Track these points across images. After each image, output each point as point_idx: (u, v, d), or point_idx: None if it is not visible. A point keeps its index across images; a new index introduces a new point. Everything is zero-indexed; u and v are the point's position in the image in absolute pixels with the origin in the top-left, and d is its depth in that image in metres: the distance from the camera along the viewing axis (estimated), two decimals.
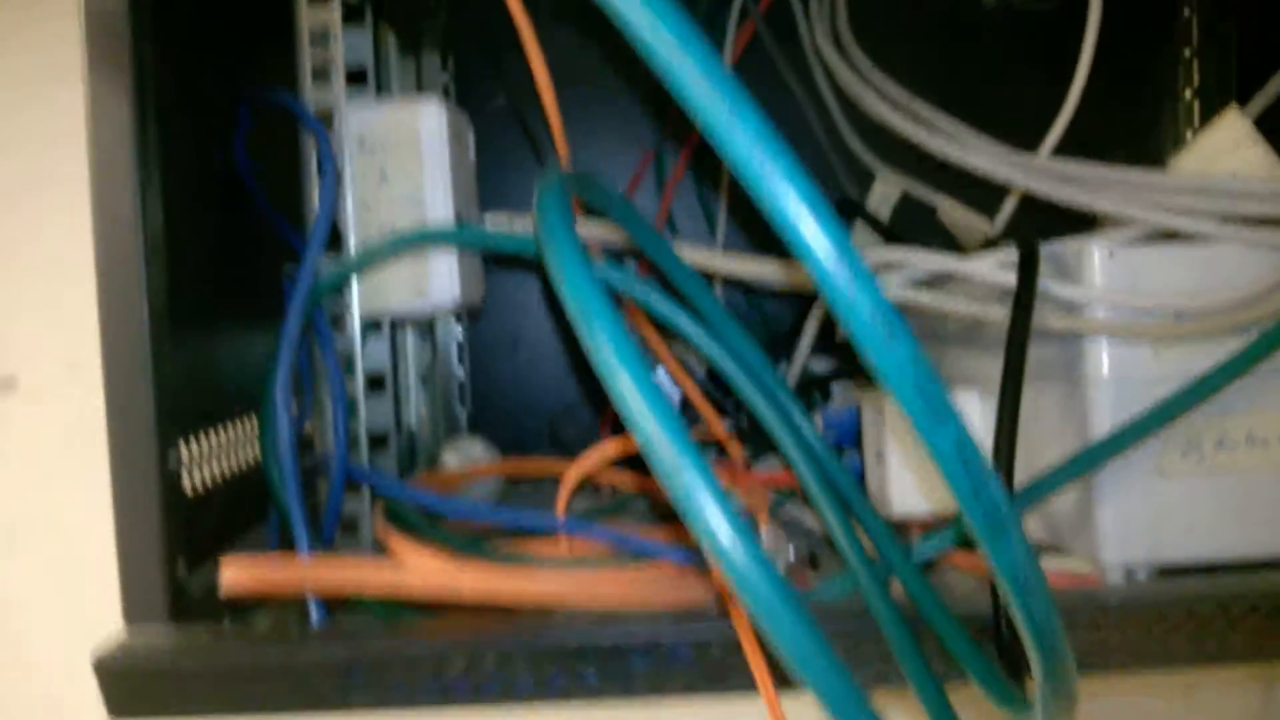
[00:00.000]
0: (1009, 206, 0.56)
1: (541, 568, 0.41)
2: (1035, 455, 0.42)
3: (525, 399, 0.68)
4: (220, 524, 0.43)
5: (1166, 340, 0.38)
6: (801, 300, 0.60)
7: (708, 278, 0.62)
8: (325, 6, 0.48)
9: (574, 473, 0.43)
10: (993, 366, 0.38)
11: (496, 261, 0.64)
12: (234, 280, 0.47)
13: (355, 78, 0.50)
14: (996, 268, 0.40)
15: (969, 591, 0.40)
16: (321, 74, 0.48)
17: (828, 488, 0.39)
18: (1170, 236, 0.39)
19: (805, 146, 0.66)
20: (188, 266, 0.40)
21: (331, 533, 0.46)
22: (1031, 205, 0.49)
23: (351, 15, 0.50)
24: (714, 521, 0.19)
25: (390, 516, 0.47)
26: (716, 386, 0.59)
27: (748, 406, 0.43)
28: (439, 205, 0.48)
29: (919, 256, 0.42)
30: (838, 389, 0.59)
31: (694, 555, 0.41)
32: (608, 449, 0.44)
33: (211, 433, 0.43)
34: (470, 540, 0.47)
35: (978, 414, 0.44)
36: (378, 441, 0.54)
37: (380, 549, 0.43)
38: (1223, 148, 0.41)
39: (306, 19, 0.48)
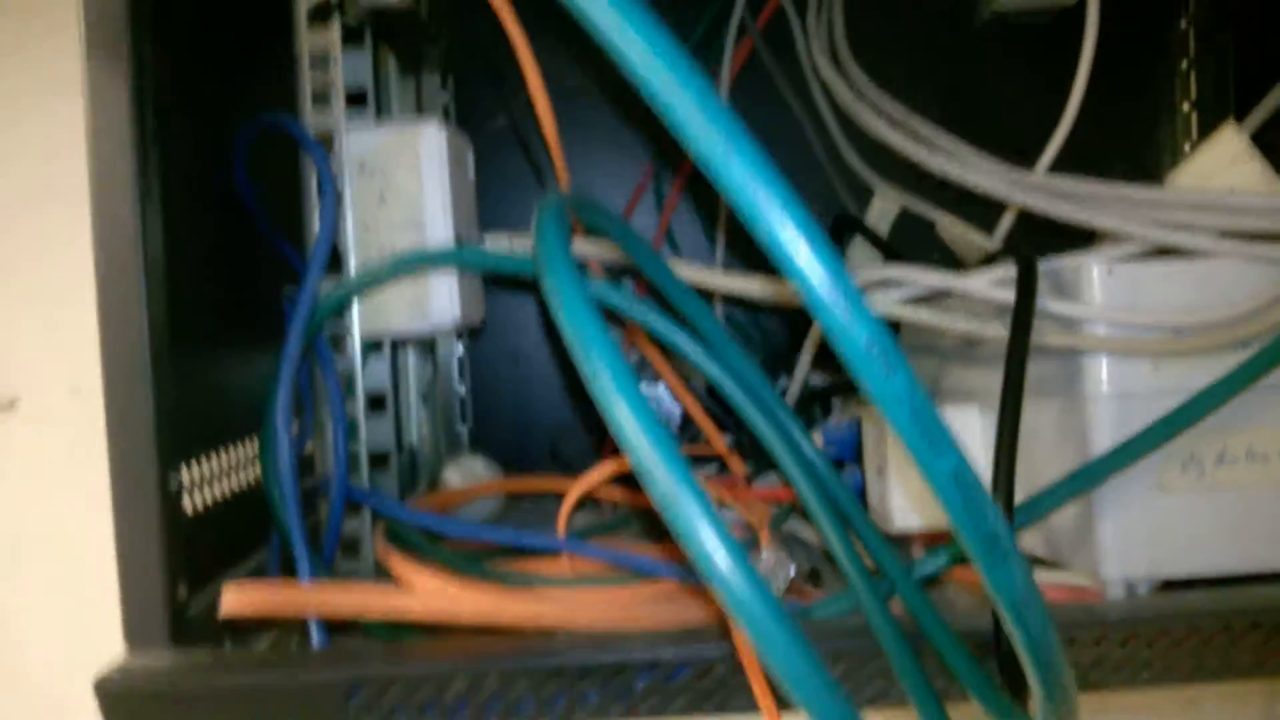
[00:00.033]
0: (1007, 221, 0.56)
1: (542, 591, 0.41)
2: (1035, 471, 0.42)
3: (526, 415, 0.68)
4: (222, 545, 0.43)
5: (1166, 356, 0.38)
6: (802, 315, 0.60)
7: (707, 295, 0.62)
8: (325, 30, 0.48)
9: (575, 492, 0.43)
10: (992, 382, 0.38)
11: (497, 278, 0.64)
12: (235, 302, 0.47)
13: (355, 98, 0.50)
14: (994, 284, 0.40)
15: (970, 607, 0.40)
16: (321, 96, 0.48)
17: (827, 504, 0.39)
18: (1168, 252, 0.40)
19: (803, 162, 0.66)
20: (188, 289, 0.40)
21: (332, 553, 0.46)
22: (1030, 219, 0.50)
23: (351, 37, 0.50)
24: (710, 549, 0.19)
25: (391, 537, 0.47)
26: (717, 402, 0.59)
27: (746, 424, 0.43)
28: (439, 226, 0.48)
29: (917, 273, 0.42)
30: (838, 403, 0.59)
31: (695, 573, 0.41)
32: (608, 468, 0.44)
33: (213, 455, 0.43)
34: (471, 559, 0.47)
35: (978, 430, 0.44)
36: (379, 460, 0.54)
37: (381, 569, 0.43)
38: (1219, 163, 0.41)
39: (306, 42, 0.48)
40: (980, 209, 0.55)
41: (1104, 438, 0.38)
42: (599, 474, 0.43)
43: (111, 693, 0.35)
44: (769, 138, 0.66)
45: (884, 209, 0.63)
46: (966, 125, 0.57)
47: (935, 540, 0.45)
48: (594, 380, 0.21)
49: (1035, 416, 0.41)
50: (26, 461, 0.67)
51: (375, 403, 0.53)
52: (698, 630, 0.36)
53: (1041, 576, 0.41)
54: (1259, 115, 0.51)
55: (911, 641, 0.34)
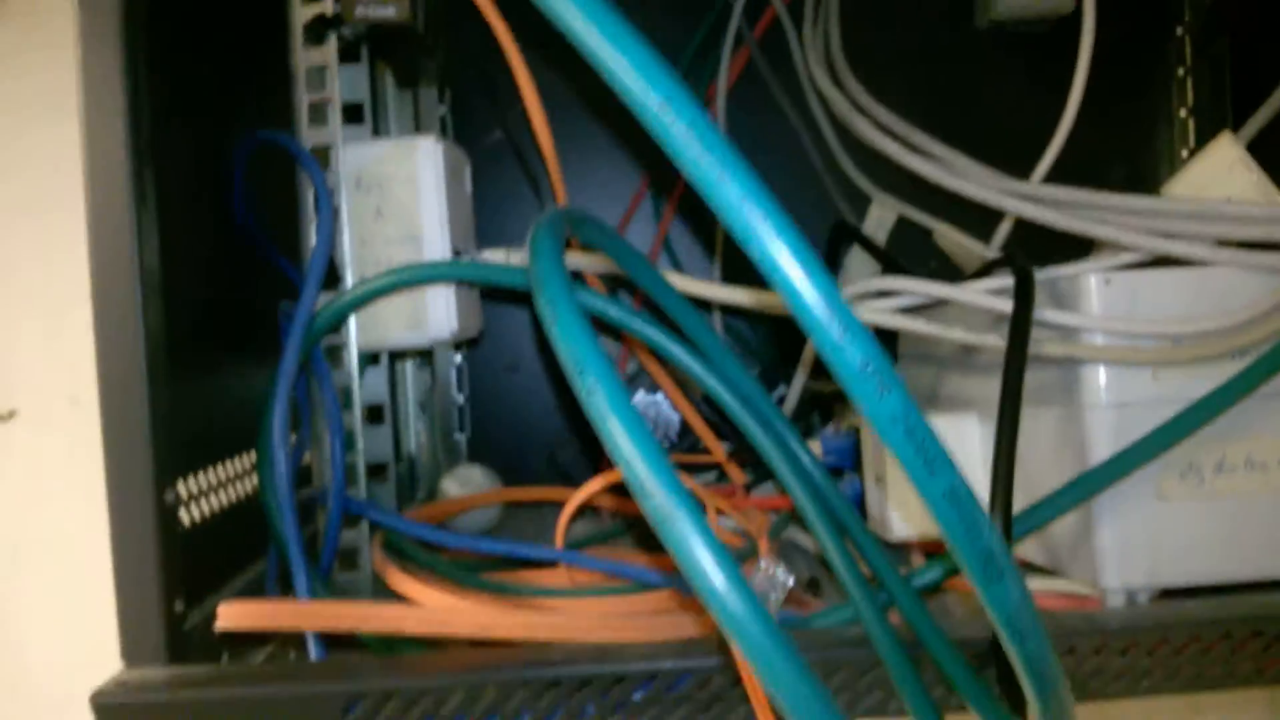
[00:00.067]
0: (1004, 229, 0.56)
1: (539, 603, 0.41)
2: (1034, 479, 0.41)
3: (524, 423, 0.68)
4: (219, 558, 0.43)
5: (1164, 365, 0.38)
6: None
7: (706, 305, 0.62)
8: (321, 48, 0.48)
9: (572, 504, 0.43)
10: (990, 390, 0.38)
11: (496, 288, 0.64)
12: (231, 316, 0.47)
13: (353, 112, 0.50)
14: (992, 294, 0.40)
15: (969, 616, 0.40)
16: (318, 111, 0.48)
17: (825, 514, 0.39)
18: (1165, 261, 0.39)
19: (800, 170, 0.66)
20: (185, 304, 0.40)
21: (329, 564, 0.46)
22: (1027, 226, 0.50)
23: (348, 52, 0.50)
24: (705, 567, 0.19)
25: (388, 547, 0.47)
26: (715, 411, 0.59)
27: (743, 433, 0.43)
28: (435, 240, 0.48)
29: (913, 283, 0.42)
30: (839, 410, 0.59)
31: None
32: (606, 478, 0.44)
33: (210, 468, 0.43)
34: (469, 569, 0.47)
35: (977, 438, 0.44)
36: (377, 471, 0.54)
37: (379, 580, 0.43)
38: (1216, 172, 0.41)
39: (302, 57, 0.48)
40: (978, 216, 0.55)
41: (1103, 447, 0.38)
42: (596, 484, 0.43)
43: (108, 706, 0.34)
44: (765, 147, 0.67)
45: (881, 217, 0.63)
46: (964, 133, 0.57)
47: (934, 549, 0.45)
48: (588, 398, 0.21)
49: (1034, 425, 0.41)
50: (26, 470, 0.67)
51: (373, 413, 0.53)
52: (696, 641, 0.36)
53: (1041, 584, 0.41)
54: (1255, 124, 0.51)
55: (910, 652, 0.34)
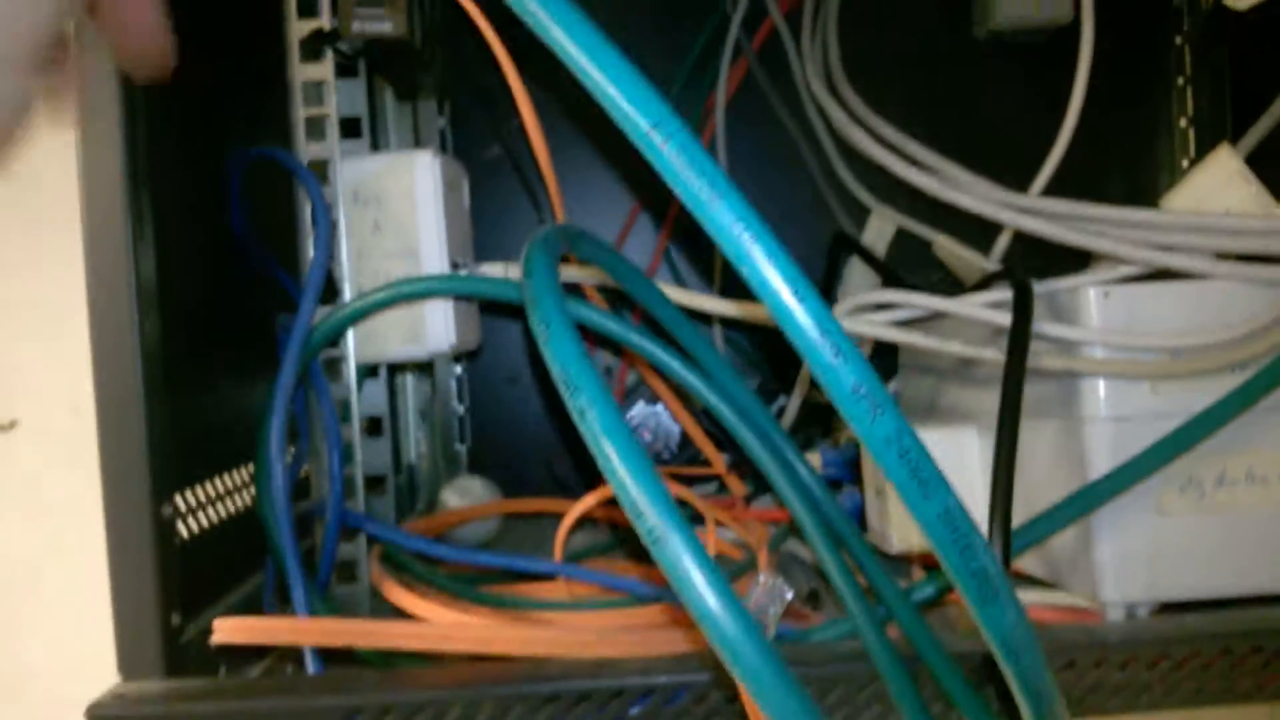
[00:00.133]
0: (1003, 241, 0.56)
1: (536, 617, 0.41)
2: (1034, 491, 0.41)
3: (524, 434, 0.68)
4: (217, 570, 0.43)
5: (1164, 378, 0.38)
6: None
7: (706, 317, 0.62)
8: (318, 63, 0.48)
9: (570, 517, 0.42)
10: (990, 402, 0.38)
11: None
12: (229, 330, 0.47)
13: (350, 125, 0.50)
14: (990, 307, 0.40)
15: (971, 629, 0.40)
16: (315, 127, 0.49)
17: (823, 528, 0.39)
18: (1164, 274, 0.39)
19: (800, 182, 0.66)
20: (182, 318, 0.40)
21: (327, 577, 0.46)
22: (1026, 238, 0.49)
23: (345, 68, 0.50)
24: (699, 589, 0.19)
25: (387, 560, 0.47)
26: (715, 422, 0.59)
27: (741, 447, 0.42)
28: (433, 254, 0.48)
29: (912, 297, 0.42)
30: (839, 422, 0.59)
31: None
32: (604, 491, 0.44)
33: (208, 481, 0.43)
34: (467, 581, 0.47)
35: (976, 451, 0.44)
36: (376, 483, 0.54)
37: (377, 593, 0.43)
38: (1215, 185, 0.41)
39: (299, 74, 0.48)
40: (977, 227, 0.55)
41: (1102, 460, 0.38)
42: (594, 498, 0.43)
43: (105, 719, 0.34)
44: (765, 157, 0.67)
45: (880, 228, 0.63)
46: (963, 143, 0.57)
47: (934, 562, 0.45)
48: (580, 417, 0.21)
49: (1033, 438, 0.41)
50: (27, 479, 0.67)
51: (372, 425, 0.53)
52: (693, 656, 0.36)
53: (1040, 597, 0.41)
54: (1254, 135, 0.51)
55: (908, 666, 0.34)
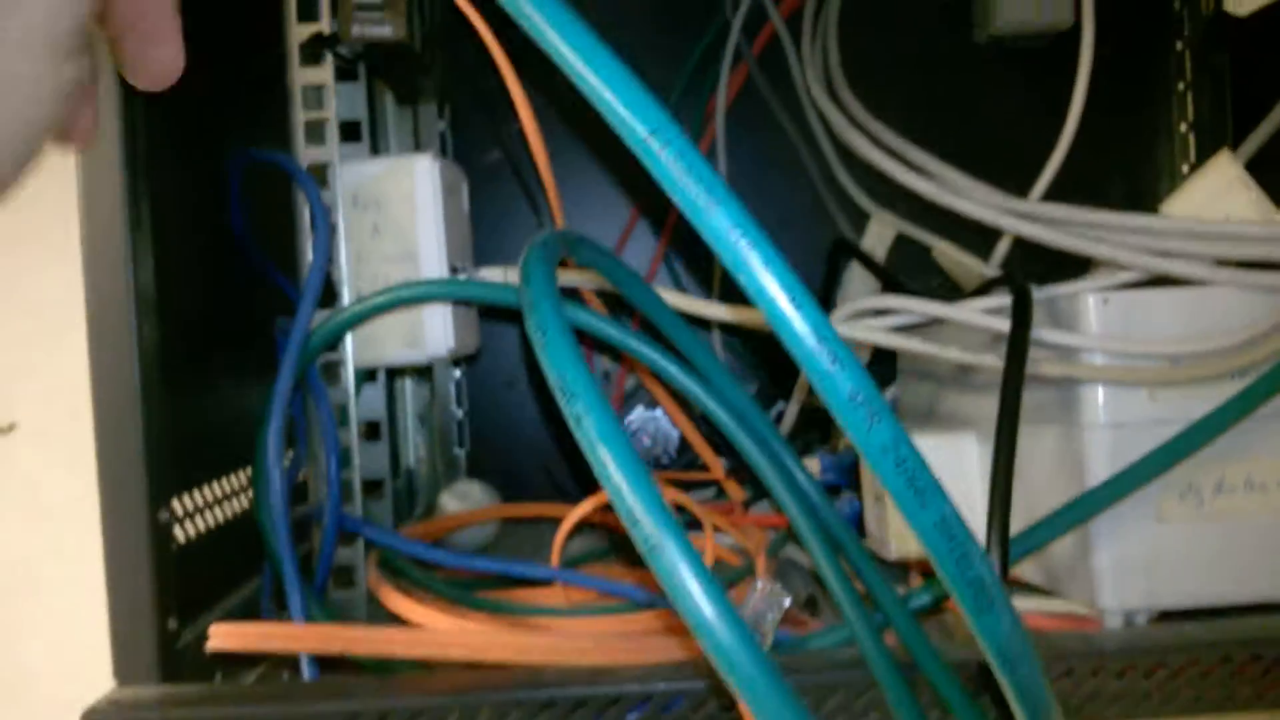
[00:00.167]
0: (1003, 247, 0.56)
1: (533, 623, 0.41)
2: (1033, 497, 0.41)
3: (523, 438, 0.68)
4: (214, 575, 0.43)
5: (1163, 385, 0.38)
6: None
7: (705, 323, 0.62)
8: (318, 66, 0.48)
9: (568, 523, 0.42)
10: (989, 408, 0.37)
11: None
12: (228, 334, 0.47)
13: (350, 129, 0.50)
14: (989, 313, 0.40)
15: (968, 636, 0.40)
16: (315, 130, 0.48)
17: (821, 533, 0.39)
18: (1164, 281, 0.39)
19: (800, 186, 0.66)
20: (180, 321, 0.40)
21: (324, 582, 0.46)
22: (1026, 243, 0.49)
23: (345, 72, 0.50)
24: (695, 598, 0.19)
25: (384, 565, 0.47)
26: (713, 427, 0.58)
27: (739, 452, 0.42)
28: (432, 258, 0.48)
29: (910, 302, 0.42)
30: (838, 428, 0.59)
31: None
32: (602, 496, 0.44)
33: (205, 486, 0.43)
34: (464, 586, 0.47)
35: (975, 456, 0.44)
36: (374, 487, 0.53)
37: (374, 598, 0.43)
38: (1214, 191, 0.41)
39: (299, 78, 0.48)
40: (978, 233, 0.55)
41: (1101, 467, 0.37)
42: (592, 503, 0.43)
43: None
44: (765, 162, 0.67)
45: (880, 233, 0.63)
46: (963, 148, 0.56)
47: (933, 569, 0.45)
48: (577, 424, 0.21)
49: (1032, 443, 0.41)
50: (26, 482, 0.67)
51: (370, 430, 0.52)
52: (690, 663, 0.35)
53: (1038, 605, 0.41)
54: (1254, 141, 0.50)
55: (906, 673, 0.34)
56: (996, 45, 0.64)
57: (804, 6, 0.65)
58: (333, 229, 0.48)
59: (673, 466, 0.66)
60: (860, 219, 0.65)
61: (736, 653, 0.19)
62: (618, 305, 0.60)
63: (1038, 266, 0.47)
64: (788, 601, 0.40)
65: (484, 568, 0.47)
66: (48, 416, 0.67)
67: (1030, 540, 0.37)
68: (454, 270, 0.49)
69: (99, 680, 0.36)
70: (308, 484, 0.51)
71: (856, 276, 0.62)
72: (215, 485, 0.44)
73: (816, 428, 0.60)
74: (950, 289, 0.60)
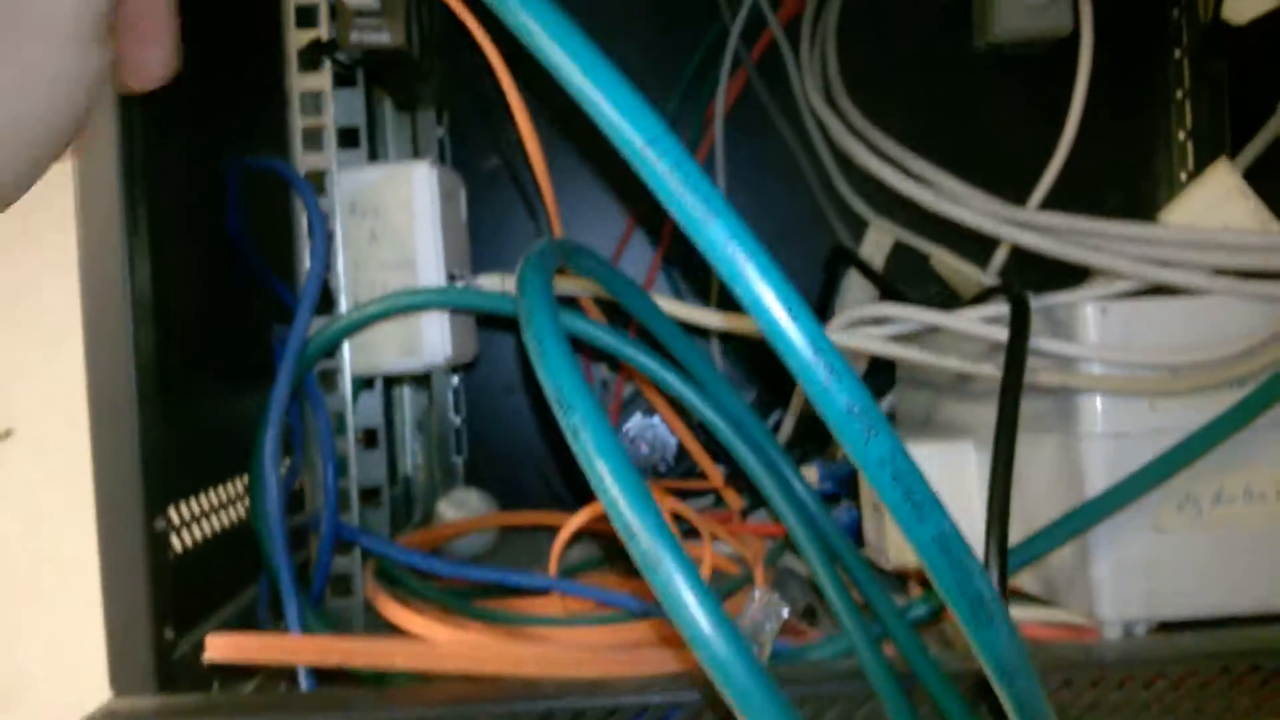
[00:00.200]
0: (1001, 255, 0.56)
1: (529, 633, 0.41)
2: (1031, 506, 0.41)
3: (521, 445, 0.68)
4: (210, 583, 0.43)
5: (1161, 395, 0.37)
6: None
7: (705, 332, 0.62)
8: (316, 73, 0.48)
9: (565, 533, 0.42)
10: (987, 417, 0.37)
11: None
12: (225, 341, 0.47)
13: (348, 135, 0.50)
14: (987, 322, 0.40)
15: (966, 647, 0.40)
16: (313, 137, 0.48)
17: (818, 542, 0.39)
18: (1162, 290, 0.39)
19: (798, 193, 0.66)
20: (177, 328, 0.40)
21: (321, 591, 0.46)
22: (1024, 252, 0.49)
23: (343, 78, 0.50)
24: (692, 613, 0.19)
25: (381, 573, 0.47)
26: (711, 436, 0.58)
27: (737, 461, 0.42)
28: (430, 265, 0.48)
29: (908, 310, 0.42)
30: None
31: None
32: (599, 505, 0.44)
33: (202, 494, 0.43)
34: (461, 595, 0.47)
35: (973, 465, 0.44)
36: (371, 495, 0.53)
37: (371, 608, 0.43)
38: (1212, 200, 0.41)
39: (297, 84, 0.48)
40: (976, 240, 0.55)
41: (1099, 477, 0.37)
42: (588, 514, 0.43)
43: None
44: (763, 168, 0.67)
45: (879, 241, 0.63)
46: (962, 155, 0.56)
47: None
48: (574, 437, 0.21)
49: (1031, 452, 0.41)
50: (23, 489, 0.67)
51: (368, 437, 0.52)
52: (687, 675, 0.35)
53: (1037, 614, 0.41)
54: (1252, 151, 0.50)
55: (904, 685, 0.33)
56: (995, 52, 0.64)
57: (803, 13, 0.65)
58: (330, 236, 0.48)
59: (671, 474, 0.66)
60: (858, 226, 0.65)
61: (733, 667, 0.19)
62: (615, 312, 0.60)
63: (1036, 275, 0.47)
64: (786, 612, 0.40)
65: (481, 577, 0.47)
66: (45, 423, 0.67)
67: (1028, 551, 0.37)
68: (452, 277, 0.49)
69: (97, 685, 0.36)
70: (304, 492, 0.51)
71: (855, 284, 0.62)
72: (212, 493, 0.44)
73: (814, 436, 0.60)
74: (948, 297, 0.60)
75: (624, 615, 0.43)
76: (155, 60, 0.24)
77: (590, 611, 0.44)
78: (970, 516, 0.42)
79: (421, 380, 0.63)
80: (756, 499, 0.56)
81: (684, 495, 0.59)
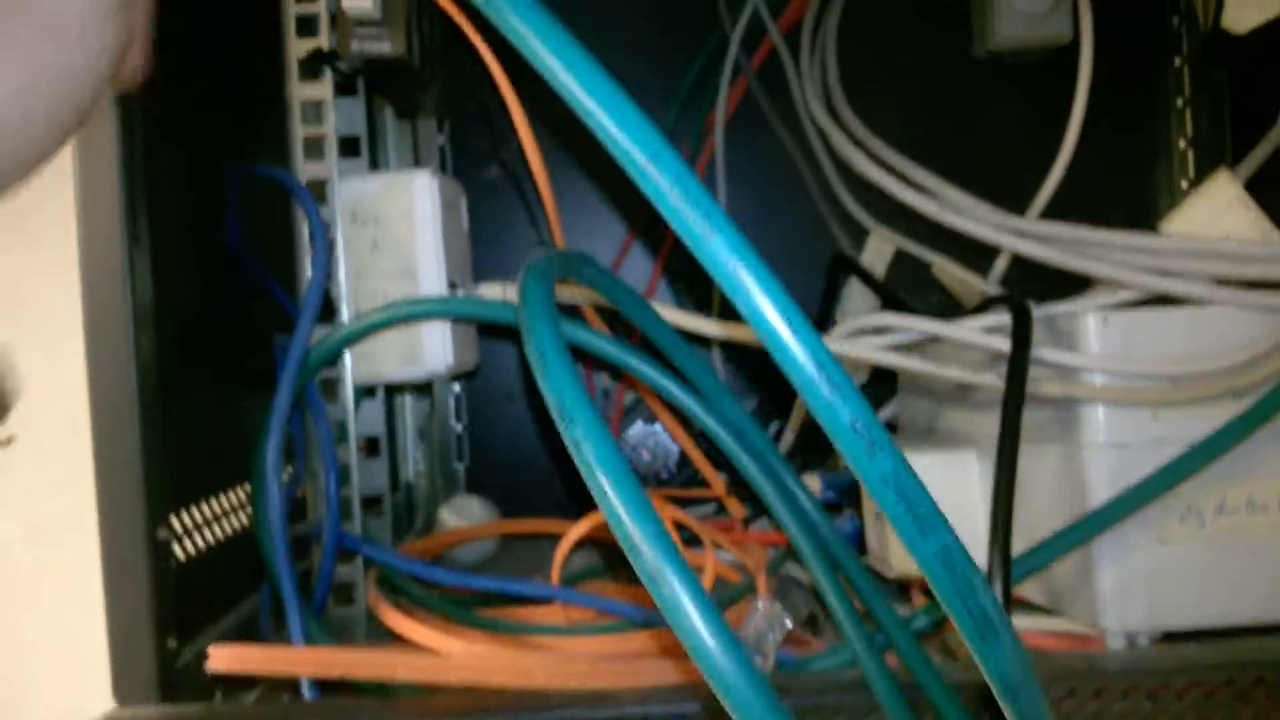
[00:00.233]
0: (1002, 264, 0.56)
1: (533, 643, 0.41)
2: (1034, 515, 0.41)
3: (523, 452, 0.68)
4: (213, 592, 0.43)
5: (1164, 405, 0.37)
6: None
7: (707, 341, 0.62)
8: (317, 82, 0.48)
9: (568, 542, 0.42)
10: (989, 426, 0.37)
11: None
12: (226, 349, 0.47)
13: (349, 144, 0.50)
14: (988, 332, 0.40)
15: (969, 657, 0.40)
16: (314, 146, 0.49)
17: (821, 552, 0.39)
18: (1163, 300, 0.39)
19: (799, 201, 0.66)
20: (179, 337, 0.40)
21: (324, 600, 0.46)
22: (1025, 261, 0.49)
23: (344, 87, 0.50)
24: (698, 629, 0.19)
25: (383, 581, 0.47)
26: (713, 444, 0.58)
27: (738, 470, 0.42)
28: (431, 274, 0.48)
29: (909, 320, 0.42)
30: None
31: None
32: (600, 515, 0.44)
33: (204, 502, 0.43)
34: (464, 604, 0.47)
35: (976, 474, 0.44)
36: (373, 502, 0.53)
37: (373, 616, 0.43)
38: (1213, 210, 0.41)
39: (298, 93, 0.48)
40: (978, 248, 0.54)
41: (1102, 487, 0.37)
42: (589, 524, 0.43)
43: None
44: (764, 176, 0.67)
45: (880, 249, 0.63)
46: (962, 163, 0.56)
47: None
48: (576, 450, 0.21)
49: (1033, 462, 0.41)
50: (24, 496, 0.66)
51: (370, 445, 0.52)
52: (690, 685, 0.35)
53: (1041, 624, 0.41)
54: (1253, 161, 0.50)
55: (908, 694, 0.33)
56: (995, 61, 0.64)
57: (803, 21, 0.65)
58: (331, 245, 0.48)
59: (673, 481, 0.66)
60: (860, 234, 0.65)
61: (737, 682, 0.19)
62: (617, 320, 0.60)
63: (1037, 283, 0.47)
64: (789, 623, 0.40)
65: (483, 586, 0.47)
66: (45, 427, 0.67)
67: (1031, 562, 0.37)
68: (453, 286, 0.49)
69: (98, 692, 0.36)
70: (306, 500, 0.51)
71: (856, 292, 0.62)
72: (214, 501, 0.44)
73: (816, 444, 0.60)
74: (950, 305, 0.60)
75: (625, 624, 0.42)
76: (135, 64, 0.24)
77: (592, 620, 0.44)
78: (973, 525, 0.42)
79: (423, 387, 0.63)
80: (759, 507, 0.56)
81: (686, 503, 0.59)
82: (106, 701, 0.36)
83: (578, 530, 0.43)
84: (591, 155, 0.67)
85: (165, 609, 0.37)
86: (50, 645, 0.65)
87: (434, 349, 0.48)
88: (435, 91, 0.60)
